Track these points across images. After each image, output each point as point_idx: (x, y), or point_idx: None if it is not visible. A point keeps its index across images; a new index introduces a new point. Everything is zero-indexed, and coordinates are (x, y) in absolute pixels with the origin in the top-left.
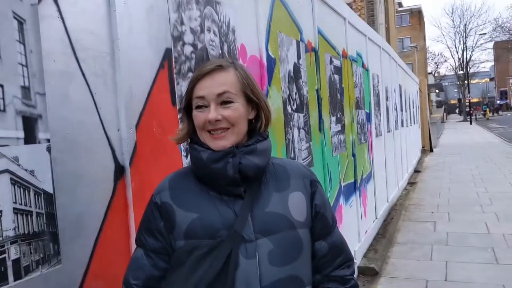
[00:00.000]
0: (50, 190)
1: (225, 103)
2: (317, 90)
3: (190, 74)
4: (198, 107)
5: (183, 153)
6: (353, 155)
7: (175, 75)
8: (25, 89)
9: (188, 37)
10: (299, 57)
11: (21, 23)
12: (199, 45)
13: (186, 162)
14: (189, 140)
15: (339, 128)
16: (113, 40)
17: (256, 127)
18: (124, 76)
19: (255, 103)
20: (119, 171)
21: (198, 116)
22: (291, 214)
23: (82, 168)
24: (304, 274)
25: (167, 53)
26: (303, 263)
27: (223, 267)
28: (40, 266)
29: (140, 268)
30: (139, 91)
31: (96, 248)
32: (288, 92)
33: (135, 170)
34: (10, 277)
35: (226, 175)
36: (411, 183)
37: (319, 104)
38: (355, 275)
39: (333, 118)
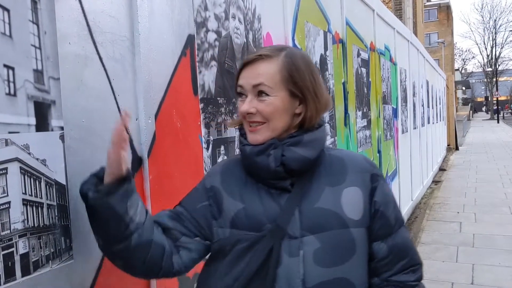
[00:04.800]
0: (63, 181)
1: (261, 95)
2: (343, 83)
3: (214, 63)
4: (239, 94)
5: (204, 145)
6: (379, 152)
7: (197, 64)
8: (38, 73)
9: (212, 24)
10: (326, 48)
11: (35, 2)
12: (223, 33)
13: (207, 154)
14: (239, 130)
15: (365, 124)
16: (133, 24)
17: (305, 120)
18: (144, 62)
19: (301, 97)
20: (137, 162)
21: (239, 105)
22: (343, 211)
23: (98, 158)
24: (356, 277)
25: (190, 39)
26: (356, 265)
27: (264, 263)
28: (50, 261)
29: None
30: (159, 78)
31: None
32: None
33: (154, 161)
34: (18, 272)
35: (268, 168)
36: (436, 182)
37: (345, 98)
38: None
39: (359, 113)
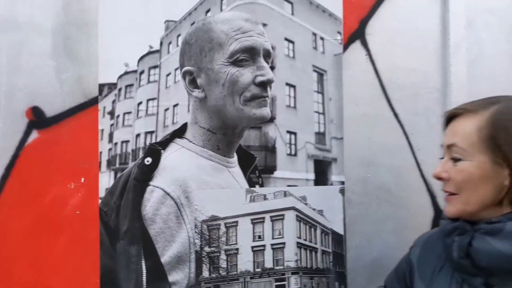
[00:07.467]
0: (340, 231)
1: (454, 159)
2: None
3: None
4: None
5: None
6: None
7: None
8: (320, 135)
9: None
10: None
11: (321, 74)
12: None
13: None
14: None
15: None
16: (445, 72)
17: None
18: None
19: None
20: (438, 219)
21: None
22: None
23: (383, 212)
24: None
25: None
26: None
27: None
28: None
29: None
30: None
31: None
32: None
33: None
34: None
35: (451, 256)
36: None
37: None
38: None
39: None
